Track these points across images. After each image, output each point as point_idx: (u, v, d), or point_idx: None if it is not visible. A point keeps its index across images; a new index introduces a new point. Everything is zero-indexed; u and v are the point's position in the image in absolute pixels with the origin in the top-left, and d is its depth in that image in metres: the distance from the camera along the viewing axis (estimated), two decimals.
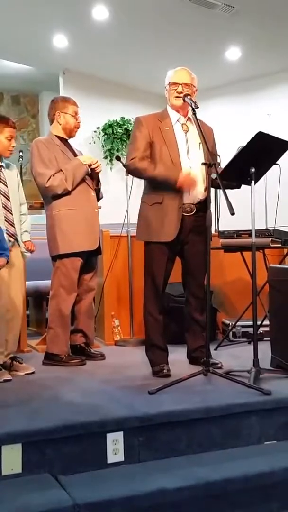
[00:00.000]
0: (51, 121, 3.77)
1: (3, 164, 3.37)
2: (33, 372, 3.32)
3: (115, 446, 2.37)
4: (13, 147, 3.34)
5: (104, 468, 2.33)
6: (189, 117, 3.36)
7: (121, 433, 2.38)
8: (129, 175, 3.53)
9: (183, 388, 2.81)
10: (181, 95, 3.22)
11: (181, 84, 3.26)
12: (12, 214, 3.33)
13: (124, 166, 3.58)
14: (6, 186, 3.35)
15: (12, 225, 3.33)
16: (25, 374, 3.29)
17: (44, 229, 3.77)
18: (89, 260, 3.68)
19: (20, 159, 4.82)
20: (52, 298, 3.62)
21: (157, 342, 3.28)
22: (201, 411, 2.55)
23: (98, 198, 3.81)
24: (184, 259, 3.38)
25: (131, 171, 3.34)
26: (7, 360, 3.29)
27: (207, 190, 3.13)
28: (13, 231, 3.33)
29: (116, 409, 2.52)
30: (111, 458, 2.36)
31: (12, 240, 3.31)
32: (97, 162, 3.68)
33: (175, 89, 3.27)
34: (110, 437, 2.36)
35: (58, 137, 3.71)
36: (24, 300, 4.08)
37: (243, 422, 2.61)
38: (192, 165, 3.23)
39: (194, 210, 3.26)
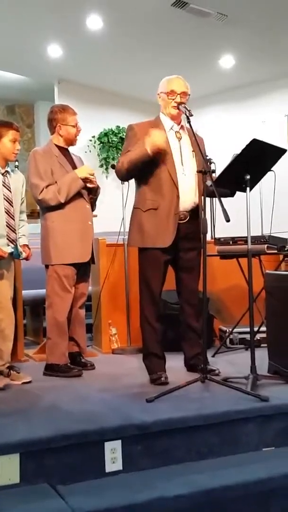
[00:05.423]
0: (52, 132, 3.77)
1: (8, 169, 3.38)
2: (30, 381, 3.32)
3: (113, 455, 2.36)
4: (17, 150, 3.35)
5: (102, 477, 2.32)
6: (182, 125, 3.36)
7: (119, 441, 2.38)
8: (124, 182, 3.48)
9: (181, 396, 2.81)
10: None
11: (179, 94, 3.24)
12: (14, 220, 3.34)
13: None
14: (10, 192, 3.35)
15: (14, 231, 3.33)
16: (22, 383, 3.29)
17: None
18: (82, 269, 3.69)
19: (16, 168, 4.85)
20: (47, 307, 3.62)
21: (155, 350, 3.27)
22: (199, 419, 2.55)
23: (93, 209, 3.82)
24: (177, 266, 3.37)
25: (117, 173, 3.30)
26: (4, 370, 3.28)
27: (200, 197, 3.13)
28: (14, 237, 3.33)
29: (114, 418, 2.52)
30: (110, 467, 2.35)
31: (13, 245, 3.31)
32: (93, 174, 3.67)
33: (173, 99, 3.24)
34: (108, 445, 2.36)
35: (58, 146, 3.72)
36: (20, 309, 4.08)
37: (241, 429, 2.61)
38: (186, 172, 3.24)
39: (187, 218, 3.27)
